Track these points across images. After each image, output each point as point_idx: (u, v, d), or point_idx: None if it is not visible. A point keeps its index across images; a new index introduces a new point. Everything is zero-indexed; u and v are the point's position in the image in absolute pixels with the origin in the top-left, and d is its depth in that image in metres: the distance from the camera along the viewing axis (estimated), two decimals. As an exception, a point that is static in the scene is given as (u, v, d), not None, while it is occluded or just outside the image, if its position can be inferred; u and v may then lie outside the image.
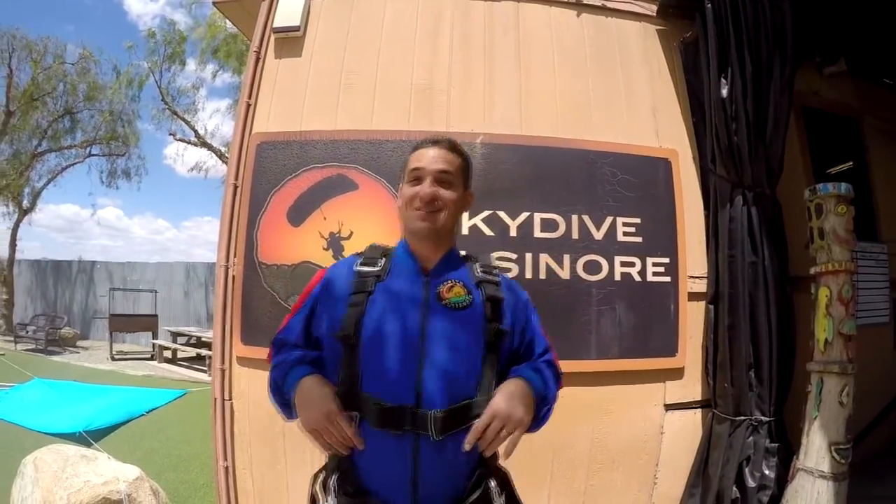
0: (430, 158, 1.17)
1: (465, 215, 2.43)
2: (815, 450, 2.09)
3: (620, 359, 2.45)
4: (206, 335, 9.27)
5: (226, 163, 10.46)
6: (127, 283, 14.20)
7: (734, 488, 2.31)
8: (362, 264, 1.17)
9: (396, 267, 1.17)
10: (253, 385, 2.44)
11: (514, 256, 2.45)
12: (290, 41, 2.76)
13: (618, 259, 2.50)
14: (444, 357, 1.07)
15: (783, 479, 2.22)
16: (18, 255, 15.11)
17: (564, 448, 2.43)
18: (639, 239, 2.54)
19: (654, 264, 2.53)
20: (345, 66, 2.70)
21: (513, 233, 2.48)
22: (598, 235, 2.51)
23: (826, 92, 3.24)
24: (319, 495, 1.10)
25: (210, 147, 14.20)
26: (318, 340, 1.17)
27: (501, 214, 2.48)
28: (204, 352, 8.90)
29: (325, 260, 2.43)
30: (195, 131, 14.22)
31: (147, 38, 13.44)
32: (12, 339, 11.99)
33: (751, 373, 2.38)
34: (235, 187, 2.60)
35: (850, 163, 3.58)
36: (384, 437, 1.03)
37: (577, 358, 2.41)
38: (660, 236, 2.56)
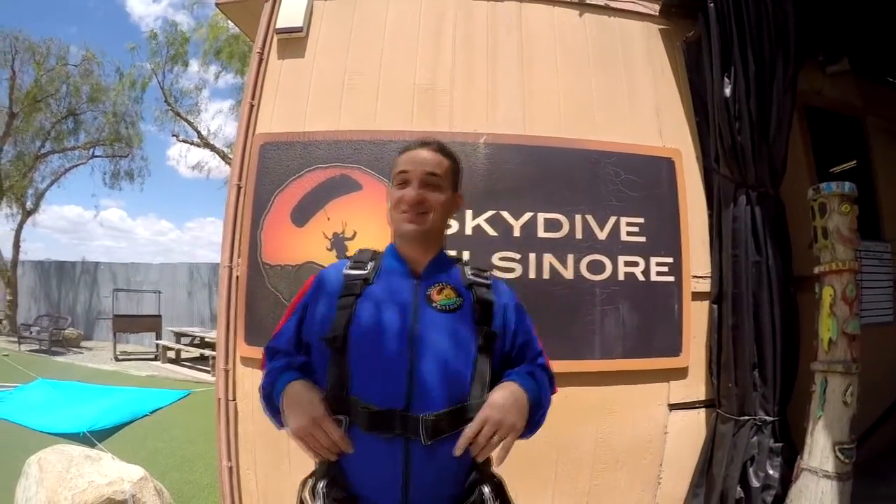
0: (418, 161, 1.15)
1: (469, 215, 2.43)
2: (819, 449, 2.08)
3: (624, 359, 2.45)
4: (210, 336, 9.29)
5: (229, 164, 10.48)
6: (130, 283, 14.26)
7: (738, 488, 2.31)
8: (351, 268, 1.16)
9: (385, 270, 1.16)
10: (257, 385, 2.41)
11: (517, 256, 2.44)
12: (293, 42, 2.77)
13: (621, 259, 2.50)
14: (435, 360, 1.05)
15: (787, 479, 2.22)
16: (22, 256, 15.26)
17: (568, 448, 2.43)
18: (642, 239, 2.54)
19: (658, 264, 2.53)
20: (348, 67, 2.71)
21: (516, 233, 2.48)
22: (602, 235, 2.51)
23: (829, 91, 3.23)
24: (308, 501, 1.07)
25: (213, 148, 14.23)
26: (309, 346, 1.15)
27: (505, 214, 2.48)
28: (207, 352, 8.90)
29: (329, 260, 2.43)
30: (198, 132, 14.26)
31: (149, 40, 13.52)
32: (16, 339, 12.04)
33: (755, 372, 2.37)
34: (239, 188, 2.61)
35: (854, 162, 3.56)
36: (374, 442, 1.00)
37: (581, 358, 2.41)
38: (663, 236, 2.56)
